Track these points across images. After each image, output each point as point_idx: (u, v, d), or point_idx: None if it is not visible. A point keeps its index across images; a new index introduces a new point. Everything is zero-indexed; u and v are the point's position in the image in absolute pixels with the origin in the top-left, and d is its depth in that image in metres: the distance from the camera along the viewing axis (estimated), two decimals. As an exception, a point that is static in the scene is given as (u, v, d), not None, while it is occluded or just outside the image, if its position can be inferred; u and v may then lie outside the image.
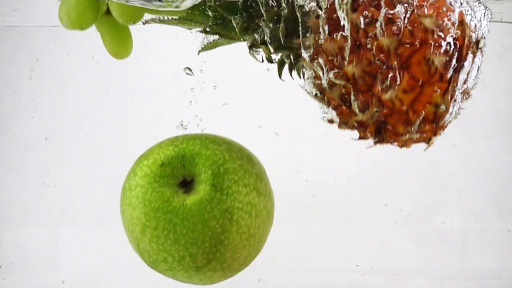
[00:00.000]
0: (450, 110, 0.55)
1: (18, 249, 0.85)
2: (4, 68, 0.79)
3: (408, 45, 0.53)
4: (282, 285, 0.82)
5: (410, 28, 0.54)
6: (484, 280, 0.77)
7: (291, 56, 0.60)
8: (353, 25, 0.55)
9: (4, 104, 0.83)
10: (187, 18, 0.60)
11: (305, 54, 0.58)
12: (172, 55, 0.71)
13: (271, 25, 0.58)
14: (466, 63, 0.55)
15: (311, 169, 0.77)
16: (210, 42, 0.61)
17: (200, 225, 0.60)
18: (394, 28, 0.54)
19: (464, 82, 0.56)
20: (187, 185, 0.62)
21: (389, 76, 0.53)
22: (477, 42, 0.56)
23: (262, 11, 0.58)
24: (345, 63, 0.55)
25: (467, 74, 0.56)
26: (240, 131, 0.77)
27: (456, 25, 0.54)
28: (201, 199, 0.60)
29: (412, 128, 0.55)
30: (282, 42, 0.58)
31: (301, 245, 0.82)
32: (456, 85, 0.55)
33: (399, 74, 0.54)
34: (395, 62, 0.53)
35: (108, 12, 0.59)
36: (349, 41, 0.55)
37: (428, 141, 0.56)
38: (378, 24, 0.54)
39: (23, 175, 0.85)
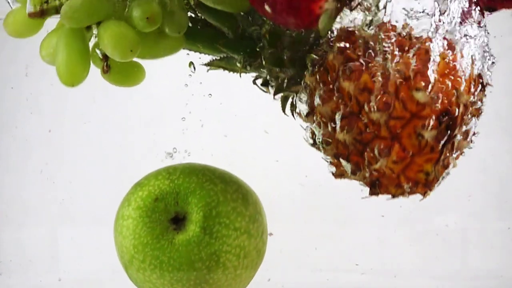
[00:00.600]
0: (444, 174, 0.56)
1: (18, 248, 0.85)
2: (3, 66, 0.79)
3: (398, 119, 0.54)
4: (282, 285, 0.82)
5: (401, 101, 0.54)
6: (484, 280, 0.77)
7: (293, 97, 0.60)
8: (346, 92, 0.55)
9: (4, 103, 0.83)
10: (191, 49, 0.61)
11: (302, 107, 0.59)
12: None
13: (272, 67, 0.59)
14: (461, 130, 0.55)
15: (311, 169, 0.77)
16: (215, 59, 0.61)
17: (186, 265, 0.62)
18: (385, 99, 0.54)
19: (465, 138, 0.56)
20: (178, 221, 0.63)
21: (380, 146, 0.54)
22: (476, 104, 0.56)
23: (264, 53, 0.59)
24: (337, 128, 0.56)
25: (466, 133, 0.56)
26: (239, 131, 0.77)
27: (450, 94, 0.54)
28: (189, 240, 0.62)
29: (404, 190, 0.56)
30: (284, 85, 0.59)
31: (301, 245, 0.82)
32: (450, 154, 0.55)
33: (390, 145, 0.54)
34: (386, 134, 0.54)
35: (106, 69, 0.60)
36: (341, 108, 0.56)
37: (423, 194, 0.57)
38: (371, 97, 0.54)
39: (23, 175, 0.85)
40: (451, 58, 0.55)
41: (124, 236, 0.64)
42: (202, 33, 0.62)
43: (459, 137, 0.55)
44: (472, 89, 0.55)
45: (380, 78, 0.54)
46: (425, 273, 0.79)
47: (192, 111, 0.76)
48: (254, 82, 0.61)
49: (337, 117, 0.56)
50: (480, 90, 0.56)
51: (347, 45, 0.56)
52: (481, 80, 0.56)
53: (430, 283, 0.78)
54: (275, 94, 0.60)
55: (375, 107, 0.54)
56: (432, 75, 0.54)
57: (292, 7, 0.50)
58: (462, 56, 0.55)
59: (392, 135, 0.54)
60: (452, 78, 0.54)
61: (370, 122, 0.54)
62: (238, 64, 0.60)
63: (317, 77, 0.57)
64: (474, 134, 0.57)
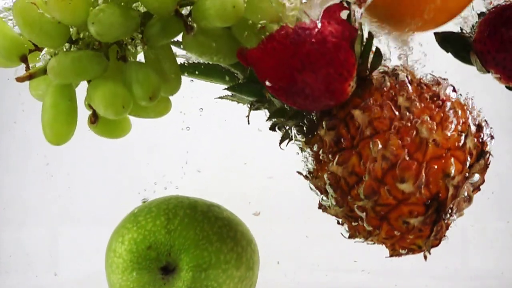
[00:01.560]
0: (444, 237, 0.56)
1: (18, 248, 0.85)
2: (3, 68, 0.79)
3: (384, 206, 0.54)
4: (282, 285, 0.82)
5: (387, 189, 0.54)
6: (484, 280, 0.77)
7: (294, 130, 0.61)
8: (334, 174, 0.56)
9: (4, 102, 0.83)
10: (197, 78, 0.63)
11: (298, 138, 0.61)
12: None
13: (276, 118, 0.60)
14: (455, 207, 0.55)
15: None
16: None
17: None
18: (372, 186, 0.54)
19: (466, 201, 0.56)
20: (167, 272, 0.63)
21: (369, 224, 0.55)
22: (473, 178, 0.56)
23: (270, 108, 0.60)
24: (331, 202, 0.58)
25: (463, 202, 0.56)
26: (238, 130, 0.77)
27: (438, 178, 0.54)
28: None
29: (401, 254, 0.57)
30: (289, 134, 0.61)
31: (301, 245, 0.83)
32: (441, 232, 0.55)
33: (379, 224, 0.55)
34: (374, 215, 0.55)
35: (93, 120, 0.60)
36: (332, 184, 0.57)
37: (424, 257, 0.57)
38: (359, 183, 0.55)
39: (23, 175, 0.85)
40: (442, 136, 0.54)
41: (113, 271, 0.64)
42: (213, 69, 0.63)
43: (453, 215, 0.56)
44: (469, 162, 0.55)
45: (367, 163, 0.54)
46: (425, 273, 0.79)
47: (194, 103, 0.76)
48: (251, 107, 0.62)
49: (329, 191, 0.57)
50: (479, 161, 0.56)
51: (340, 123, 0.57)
52: (479, 150, 0.56)
53: (430, 283, 0.78)
54: (280, 142, 0.61)
55: (362, 193, 0.54)
56: (419, 163, 0.54)
57: (328, 91, 0.52)
58: (455, 132, 0.55)
59: (380, 216, 0.55)
60: (443, 161, 0.54)
61: (358, 206, 0.55)
62: (247, 107, 0.61)
63: (312, 147, 0.59)
64: (478, 188, 0.57)
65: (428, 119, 0.54)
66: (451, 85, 0.59)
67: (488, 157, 0.57)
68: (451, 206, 0.54)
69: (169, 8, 0.56)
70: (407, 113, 0.54)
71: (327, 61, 0.52)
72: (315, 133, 0.59)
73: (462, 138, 0.54)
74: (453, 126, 0.54)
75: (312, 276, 0.83)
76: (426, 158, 0.53)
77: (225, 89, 0.61)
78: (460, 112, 0.56)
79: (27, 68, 0.57)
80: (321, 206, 0.59)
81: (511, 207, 0.76)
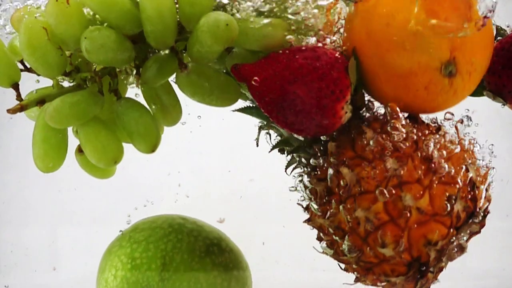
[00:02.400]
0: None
1: (18, 248, 0.85)
2: None
3: (367, 262, 0.55)
4: (282, 284, 0.82)
5: (371, 248, 0.54)
6: (484, 280, 0.77)
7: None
8: (321, 226, 0.58)
9: (4, 103, 0.83)
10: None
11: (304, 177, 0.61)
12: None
13: (280, 146, 0.61)
14: (438, 265, 0.55)
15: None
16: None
17: None
18: (356, 243, 0.55)
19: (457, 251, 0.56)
20: None
21: (357, 275, 0.57)
22: (459, 240, 0.56)
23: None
24: (322, 246, 0.59)
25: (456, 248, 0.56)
26: (238, 129, 0.76)
27: (420, 243, 0.54)
28: None
29: None
30: (298, 163, 0.62)
31: (301, 244, 0.82)
32: (428, 283, 0.55)
33: (364, 273, 0.56)
34: (358, 266, 0.56)
35: (80, 150, 0.60)
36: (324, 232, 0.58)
37: None
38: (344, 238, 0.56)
39: (24, 175, 0.85)
40: (428, 203, 0.54)
41: None
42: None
43: (441, 268, 0.56)
44: (457, 225, 0.54)
45: (352, 222, 0.54)
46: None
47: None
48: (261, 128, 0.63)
49: (321, 234, 0.58)
50: (470, 220, 0.55)
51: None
52: (470, 211, 0.55)
53: (430, 283, 0.78)
54: (286, 168, 0.62)
55: (346, 248, 0.55)
56: (401, 229, 0.54)
57: (320, 107, 0.52)
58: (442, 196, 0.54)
59: (364, 268, 0.55)
60: (426, 227, 0.54)
61: (343, 258, 0.56)
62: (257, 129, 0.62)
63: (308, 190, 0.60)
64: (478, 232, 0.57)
65: (416, 183, 0.54)
66: (457, 125, 0.58)
67: (484, 215, 0.57)
68: (436, 264, 0.54)
69: (167, 43, 0.56)
70: (395, 176, 0.54)
71: (319, 76, 0.52)
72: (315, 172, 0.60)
73: (451, 202, 0.54)
74: (441, 190, 0.54)
75: (312, 275, 0.83)
76: (409, 224, 0.53)
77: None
78: (453, 171, 0.55)
79: (18, 96, 0.57)
80: (320, 239, 0.60)
81: (511, 207, 0.76)
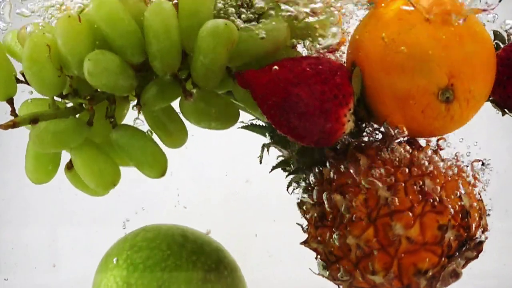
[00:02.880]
0: None
1: (18, 248, 0.85)
2: None
3: (359, 287, 0.56)
4: (282, 284, 0.82)
5: (362, 274, 0.55)
6: (484, 280, 0.77)
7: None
8: (316, 249, 0.59)
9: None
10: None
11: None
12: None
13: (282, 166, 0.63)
14: None
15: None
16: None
17: None
18: (348, 269, 0.55)
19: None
20: None
21: None
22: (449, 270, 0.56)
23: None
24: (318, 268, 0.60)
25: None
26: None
27: (410, 271, 0.54)
28: None
29: None
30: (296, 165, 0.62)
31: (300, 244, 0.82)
32: None
33: None
34: None
35: (70, 166, 0.60)
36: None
37: None
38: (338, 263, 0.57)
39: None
40: (418, 232, 0.54)
41: None
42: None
43: None
44: (448, 253, 0.55)
45: (343, 248, 0.55)
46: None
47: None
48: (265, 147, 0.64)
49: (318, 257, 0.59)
50: (462, 248, 0.55)
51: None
52: (462, 239, 0.55)
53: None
54: (287, 187, 0.63)
55: (341, 273, 0.56)
56: (391, 257, 0.54)
57: (323, 110, 0.52)
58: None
59: None
60: (416, 256, 0.54)
61: (338, 282, 0.57)
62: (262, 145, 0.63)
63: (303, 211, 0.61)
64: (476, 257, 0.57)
65: (407, 211, 0.54)
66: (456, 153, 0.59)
67: (481, 241, 0.57)
68: None
69: (173, 65, 0.55)
70: (386, 205, 0.54)
71: (322, 79, 0.52)
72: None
73: (442, 231, 0.54)
74: (433, 219, 0.54)
75: (312, 275, 0.83)
76: (399, 252, 0.54)
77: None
78: (446, 199, 0.55)
79: (12, 111, 0.57)
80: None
81: (511, 207, 0.76)
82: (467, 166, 0.58)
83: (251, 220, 0.83)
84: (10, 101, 0.57)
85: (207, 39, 0.53)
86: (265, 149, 0.62)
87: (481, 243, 0.56)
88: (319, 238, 0.57)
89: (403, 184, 0.54)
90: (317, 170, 0.59)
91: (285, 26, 0.55)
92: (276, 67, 0.53)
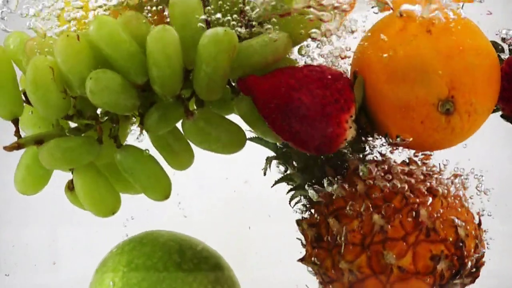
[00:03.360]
0: None
1: (18, 248, 0.85)
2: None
3: None
4: (281, 283, 0.82)
5: None
6: (484, 280, 0.77)
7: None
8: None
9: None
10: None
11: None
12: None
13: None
14: None
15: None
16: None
17: None
18: None
19: None
20: None
21: None
22: None
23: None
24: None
25: None
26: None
27: None
28: None
29: None
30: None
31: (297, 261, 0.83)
32: None
33: None
34: None
35: (71, 187, 0.61)
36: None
37: None
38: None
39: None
40: (410, 261, 0.55)
41: None
42: None
43: None
44: (441, 282, 0.55)
45: (337, 271, 0.56)
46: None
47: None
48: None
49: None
50: (456, 277, 0.56)
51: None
52: (456, 269, 0.55)
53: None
54: (289, 202, 0.64)
55: None
56: (382, 284, 0.55)
57: (324, 114, 0.52)
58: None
59: None
60: (407, 284, 0.54)
61: None
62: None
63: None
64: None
65: (400, 240, 0.54)
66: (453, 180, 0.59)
67: (477, 267, 0.57)
68: None
69: (174, 89, 0.55)
70: (381, 232, 0.55)
71: (324, 84, 0.52)
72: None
73: (434, 262, 0.54)
74: (426, 249, 0.54)
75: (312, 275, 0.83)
76: (390, 280, 0.54)
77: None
78: (440, 228, 0.55)
79: (16, 132, 0.57)
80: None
81: (511, 209, 0.76)
82: (464, 188, 0.58)
83: (250, 220, 0.83)
84: (16, 121, 0.57)
85: (208, 47, 0.52)
86: (269, 163, 0.63)
87: (477, 270, 0.56)
88: (314, 258, 0.57)
89: (398, 212, 0.54)
90: (314, 191, 0.59)
91: (286, 36, 0.55)
92: (277, 73, 0.53)
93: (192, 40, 0.54)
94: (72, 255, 0.85)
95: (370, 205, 0.54)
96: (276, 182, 0.62)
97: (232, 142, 0.58)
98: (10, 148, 0.55)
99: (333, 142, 0.53)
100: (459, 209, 0.57)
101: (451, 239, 0.54)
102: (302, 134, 0.53)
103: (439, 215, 0.55)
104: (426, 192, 0.56)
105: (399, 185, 0.56)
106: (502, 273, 0.77)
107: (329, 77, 0.53)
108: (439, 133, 0.54)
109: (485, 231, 0.59)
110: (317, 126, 0.53)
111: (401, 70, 0.53)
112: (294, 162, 0.61)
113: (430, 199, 0.56)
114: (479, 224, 0.59)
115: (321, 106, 0.52)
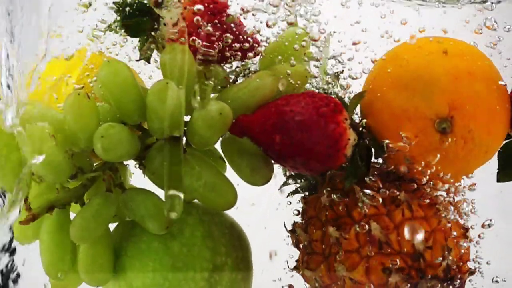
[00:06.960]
0: None
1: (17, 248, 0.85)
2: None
3: None
4: (281, 283, 0.82)
5: None
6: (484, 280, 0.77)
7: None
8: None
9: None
10: None
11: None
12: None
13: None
14: None
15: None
16: None
17: None
18: None
19: None
20: None
21: None
22: None
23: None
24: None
25: None
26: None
27: None
28: None
29: None
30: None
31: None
32: None
33: None
34: None
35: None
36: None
37: None
38: None
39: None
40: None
41: None
42: None
43: None
44: None
45: (305, 279, 0.58)
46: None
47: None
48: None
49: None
50: None
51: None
52: (414, 282, 0.56)
53: (430, 282, 0.78)
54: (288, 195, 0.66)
55: None
56: None
57: (319, 114, 0.53)
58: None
59: None
60: None
61: None
62: None
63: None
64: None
65: (354, 253, 0.56)
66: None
67: (461, 279, 0.58)
68: None
69: (166, 131, 0.56)
70: (336, 244, 0.56)
71: (310, 95, 0.55)
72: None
73: (385, 274, 0.55)
74: (378, 262, 0.56)
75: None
76: None
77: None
78: (395, 242, 0.56)
79: (28, 209, 0.57)
80: None
81: (511, 208, 0.76)
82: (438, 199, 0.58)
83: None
84: (32, 218, 0.57)
85: (202, 128, 0.53)
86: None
87: (461, 283, 0.57)
88: (308, 268, 0.58)
89: (355, 225, 0.55)
90: (304, 200, 0.60)
91: (271, 80, 0.55)
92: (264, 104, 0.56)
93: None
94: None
95: (328, 217, 0.55)
96: (282, 186, 0.64)
97: (218, 191, 0.59)
98: (26, 222, 0.56)
99: (339, 142, 0.53)
100: (430, 219, 0.56)
101: (406, 251, 0.53)
102: (305, 141, 0.53)
103: (395, 228, 0.55)
104: (387, 203, 0.56)
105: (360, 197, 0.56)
106: (501, 273, 0.78)
107: (315, 93, 0.55)
108: (432, 152, 0.53)
109: (471, 240, 0.58)
110: (316, 127, 0.53)
111: (407, 78, 0.53)
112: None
113: (389, 211, 0.55)
114: (464, 233, 0.58)
115: (314, 109, 0.53)
